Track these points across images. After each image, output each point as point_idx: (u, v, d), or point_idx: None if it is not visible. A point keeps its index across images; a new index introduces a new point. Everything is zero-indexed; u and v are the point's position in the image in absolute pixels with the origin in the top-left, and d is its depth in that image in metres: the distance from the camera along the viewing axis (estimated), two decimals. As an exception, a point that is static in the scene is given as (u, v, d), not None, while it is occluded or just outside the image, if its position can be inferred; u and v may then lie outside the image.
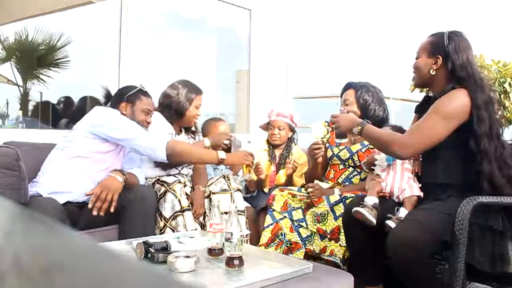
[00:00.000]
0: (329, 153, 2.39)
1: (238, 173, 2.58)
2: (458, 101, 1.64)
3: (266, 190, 2.60)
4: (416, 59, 1.81)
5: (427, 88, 1.96)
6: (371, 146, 2.28)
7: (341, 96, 2.41)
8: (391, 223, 1.67)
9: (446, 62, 1.72)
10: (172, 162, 2.10)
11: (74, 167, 1.99)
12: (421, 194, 1.78)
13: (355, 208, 1.72)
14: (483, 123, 1.61)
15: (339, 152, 2.35)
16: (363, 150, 2.29)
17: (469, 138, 1.62)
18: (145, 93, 2.23)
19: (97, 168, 2.02)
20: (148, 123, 2.19)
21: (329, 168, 2.41)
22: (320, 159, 2.26)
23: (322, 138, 2.41)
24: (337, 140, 2.27)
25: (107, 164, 2.06)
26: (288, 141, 2.69)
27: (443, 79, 1.74)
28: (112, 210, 1.86)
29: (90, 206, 1.85)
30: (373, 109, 2.30)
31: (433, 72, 1.74)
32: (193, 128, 2.54)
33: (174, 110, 2.37)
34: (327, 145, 2.41)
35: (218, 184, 2.20)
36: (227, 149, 2.28)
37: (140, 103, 2.17)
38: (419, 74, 1.80)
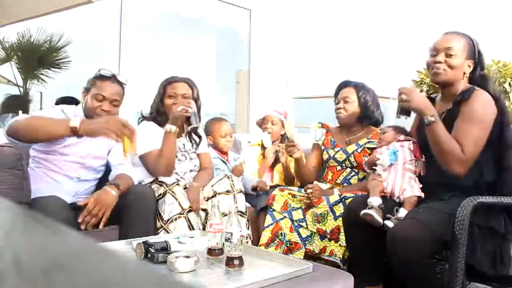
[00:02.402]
0: (325, 156, 2.38)
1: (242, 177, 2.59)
2: (489, 105, 1.66)
3: (267, 187, 2.61)
4: (449, 56, 1.74)
5: (431, 90, 1.95)
6: (367, 146, 2.27)
7: (336, 94, 2.37)
8: (389, 223, 1.67)
9: (476, 68, 1.75)
10: (18, 139, 1.80)
11: (46, 171, 1.94)
12: (422, 194, 1.78)
13: (364, 211, 1.71)
14: (508, 119, 1.68)
15: (335, 154, 2.34)
16: (359, 151, 2.28)
17: (500, 135, 1.65)
18: (101, 77, 1.99)
19: (65, 166, 1.95)
20: (104, 111, 1.95)
21: (326, 170, 2.40)
22: (297, 155, 2.28)
23: (317, 140, 2.42)
24: (400, 117, 1.83)
25: (72, 158, 1.97)
26: (281, 138, 2.78)
27: (466, 82, 1.76)
28: (100, 226, 1.79)
29: (80, 220, 1.75)
30: (372, 110, 2.30)
31: (466, 75, 1.75)
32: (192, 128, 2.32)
33: (156, 110, 2.28)
34: (322, 147, 2.40)
35: (222, 184, 2.18)
36: (188, 119, 2.17)
37: (93, 89, 1.97)
38: (455, 73, 1.74)
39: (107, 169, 2.12)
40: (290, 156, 2.31)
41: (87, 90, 2.01)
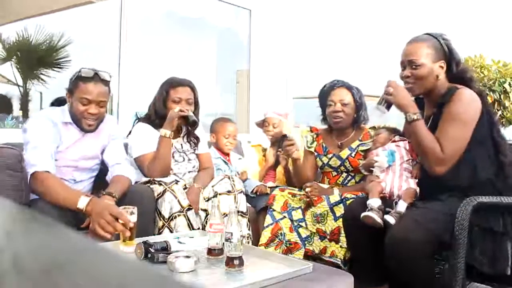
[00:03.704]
0: (319, 163, 2.35)
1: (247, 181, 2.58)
2: (471, 103, 1.65)
3: (268, 190, 2.60)
4: (414, 68, 1.73)
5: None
6: (360, 149, 2.25)
7: (326, 95, 2.30)
8: (390, 219, 1.66)
9: (450, 66, 1.73)
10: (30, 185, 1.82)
11: None
12: (417, 188, 1.78)
13: (364, 214, 1.71)
14: (494, 114, 1.70)
15: (329, 161, 2.32)
16: (353, 155, 2.26)
17: (489, 132, 1.66)
18: (84, 78, 1.88)
19: (59, 171, 1.89)
20: (91, 114, 1.89)
21: (322, 175, 2.39)
22: (296, 155, 2.21)
23: (309, 147, 2.38)
24: (379, 107, 1.78)
25: (64, 163, 1.94)
26: (281, 139, 2.75)
27: (444, 81, 1.75)
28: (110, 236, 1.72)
29: None
30: (363, 113, 2.29)
31: (440, 77, 1.73)
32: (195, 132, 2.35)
33: (155, 112, 2.25)
34: (315, 153, 2.37)
35: (223, 184, 2.18)
36: (185, 119, 2.18)
37: (77, 91, 1.88)
38: (426, 82, 1.73)
39: (106, 167, 2.09)
40: (288, 156, 2.26)
41: (70, 92, 1.92)
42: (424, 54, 1.72)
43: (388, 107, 1.76)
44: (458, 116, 1.63)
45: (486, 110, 1.67)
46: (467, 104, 1.64)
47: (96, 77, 1.89)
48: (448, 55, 1.73)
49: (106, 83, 1.95)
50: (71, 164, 1.97)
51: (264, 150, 2.82)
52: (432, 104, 1.78)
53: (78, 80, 1.89)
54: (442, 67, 1.73)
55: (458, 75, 1.74)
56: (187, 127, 2.31)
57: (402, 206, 1.71)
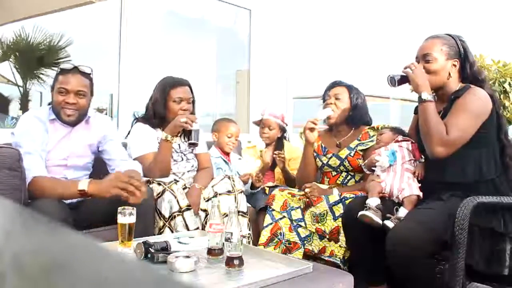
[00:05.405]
0: (319, 163, 2.35)
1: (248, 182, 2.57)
2: (483, 99, 1.67)
3: (266, 190, 2.60)
4: (427, 61, 1.76)
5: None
6: (359, 149, 2.25)
7: (327, 92, 2.33)
8: (389, 224, 1.67)
9: (464, 65, 1.76)
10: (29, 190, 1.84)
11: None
12: (421, 193, 1.78)
13: (361, 212, 1.71)
14: (503, 117, 1.71)
15: (328, 161, 2.32)
16: (352, 154, 2.26)
17: (496, 133, 1.69)
18: (63, 71, 1.95)
19: (50, 170, 1.91)
20: (69, 104, 1.92)
21: (322, 175, 2.39)
22: (312, 139, 2.22)
23: None
24: (394, 77, 1.81)
25: (53, 162, 1.95)
26: (278, 140, 2.77)
27: (456, 81, 1.77)
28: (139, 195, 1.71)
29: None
30: (363, 112, 2.29)
31: (452, 75, 1.75)
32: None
33: (154, 112, 2.23)
34: (315, 154, 2.36)
35: (223, 184, 2.18)
36: (189, 131, 2.17)
37: (57, 84, 1.94)
38: (437, 77, 1.75)
39: (104, 167, 2.09)
40: (304, 134, 2.24)
41: (52, 88, 1.97)
42: (438, 49, 1.75)
43: (401, 82, 1.78)
44: (469, 108, 1.66)
45: (496, 111, 1.69)
46: (479, 99, 1.67)
47: (75, 69, 1.95)
48: (462, 55, 1.76)
49: (86, 75, 1.99)
50: (60, 163, 1.98)
51: (260, 151, 2.82)
52: (443, 101, 1.80)
53: (58, 74, 1.96)
54: (455, 65, 1.76)
55: (471, 76, 1.76)
56: (187, 136, 2.30)
57: (403, 213, 1.71)
